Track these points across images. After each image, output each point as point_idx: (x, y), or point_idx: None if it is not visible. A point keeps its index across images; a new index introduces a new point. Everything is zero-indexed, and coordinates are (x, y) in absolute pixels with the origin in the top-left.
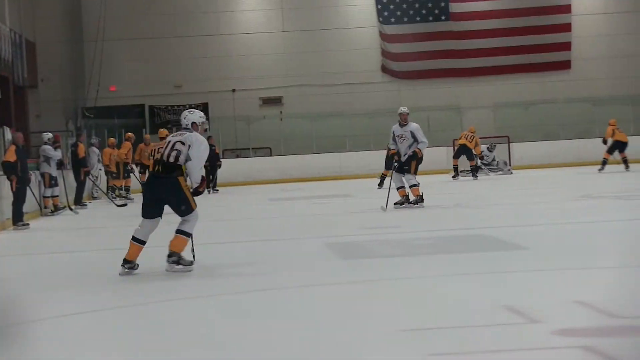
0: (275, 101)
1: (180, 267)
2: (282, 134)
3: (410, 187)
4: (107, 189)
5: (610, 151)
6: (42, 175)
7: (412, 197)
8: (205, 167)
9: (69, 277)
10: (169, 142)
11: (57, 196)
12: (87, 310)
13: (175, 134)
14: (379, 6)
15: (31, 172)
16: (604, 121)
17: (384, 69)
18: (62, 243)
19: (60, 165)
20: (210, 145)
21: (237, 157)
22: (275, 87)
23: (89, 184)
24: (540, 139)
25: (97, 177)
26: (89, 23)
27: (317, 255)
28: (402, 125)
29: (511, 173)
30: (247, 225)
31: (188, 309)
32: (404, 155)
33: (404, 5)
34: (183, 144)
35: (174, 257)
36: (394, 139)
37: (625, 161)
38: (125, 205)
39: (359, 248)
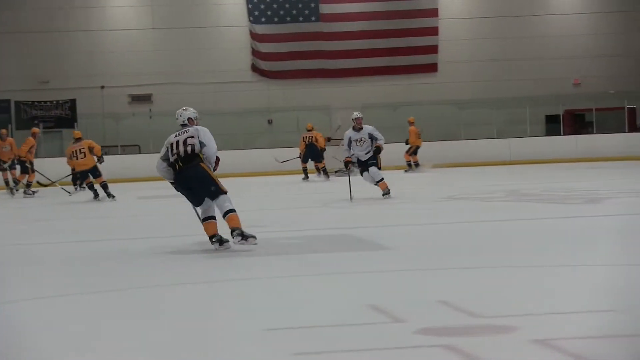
0: (145, 99)
1: (249, 239)
2: (151, 131)
3: (378, 182)
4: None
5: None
6: None
7: (384, 190)
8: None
9: None
10: (177, 141)
11: None
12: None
13: (178, 132)
14: (250, 5)
15: None
16: (469, 123)
17: (254, 68)
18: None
19: None
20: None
21: (105, 154)
22: (145, 85)
23: None
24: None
25: None
26: None
27: (180, 255)
28: (357, 129)
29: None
30: (118, 225)
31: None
32: (366, 153)
33: (275, 5)
34: (192, 137)
35: (237, 231)
36: (349, 145)
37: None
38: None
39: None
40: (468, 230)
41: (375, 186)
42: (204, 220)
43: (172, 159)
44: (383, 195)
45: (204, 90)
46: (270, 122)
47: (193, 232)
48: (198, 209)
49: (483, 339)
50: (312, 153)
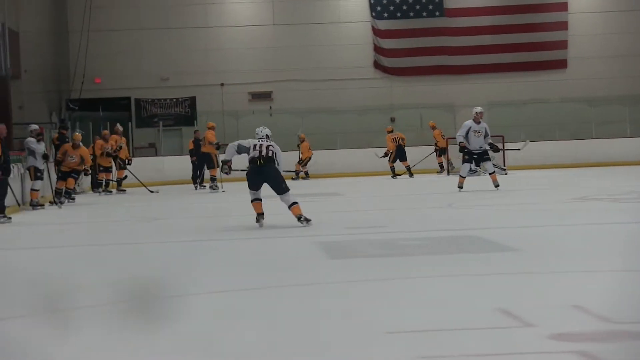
0: (265, 96)
1: (310, 221)
2: (271, 129)
3: (491, 174)
4: (92, 183)
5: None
6: (28, 169)
7: (495, 182)
8: (192, 161)
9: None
10: (261, 144)
11: (37, 190)
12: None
13: (260, 139)
14: (372, 1)
15: (13, 165)
16: (600, 122)
17: (376, 65)
18: (45, 237)
19: (45, 157)
20: (198, 140)
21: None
22: (265, 82)
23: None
24: (535, 139)
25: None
26: (74, 13)
27: (302, 254)
28: (478, 122)
29: (505, 173)
30: (235, 224)
31: (181, 306)
32: (480, 148)
33: (397, 1)
34: (272, 146)
35: (303, 217)
36: (466, 134)
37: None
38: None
39: (347, 247)
40: (598, 232)
41: (487, 176)
42: (253, 200)
43: (253, 154)
44: (495, 186)
45: (325, 87)
46: (393, 120)
47: (318, 233)
48: (255, 191)
49: (619, 346)
50: (401, 153)
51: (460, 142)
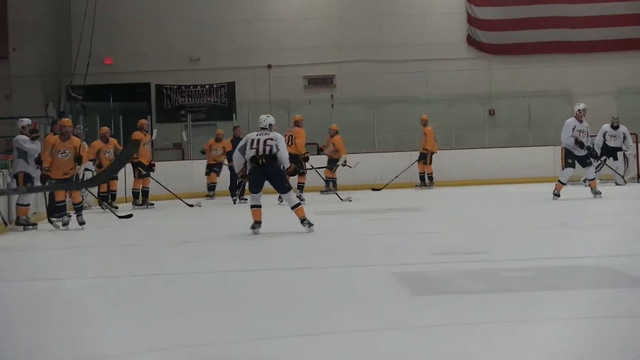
0: (325, 81)
1: (312, 226)
2: (334, 123)
3: (591, 180)
4: (99, 195)
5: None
6: (16, 175)
7: (594, 190)
8: (230, 167)
9: (40, 311)
10: (258, 139)
11: (27, 205)
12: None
13: (259, 132)
14: None
15: None
16: None
17: (470, 41)
18: (37, 267)
19: (38, 161)
20: (238, 139)
21: None
22: (325, 63)
23: None
24: None
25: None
26: None
27: (377, 289)
28: (580, 120)
29: (624, 183)
30: (289, 247)
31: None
32: (583, 149)
33: None
34: (272, 139)
35: (306, 220)
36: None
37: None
38: (129, 216)
39: (432, 280)
40: None
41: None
42: (252, 206)
43: (251, 153)
44: (594, 195)
45: (401, 70)
46: (491, 112)
47: (394, 261)
48: (256, 194)
49: None
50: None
51: (570, 144)
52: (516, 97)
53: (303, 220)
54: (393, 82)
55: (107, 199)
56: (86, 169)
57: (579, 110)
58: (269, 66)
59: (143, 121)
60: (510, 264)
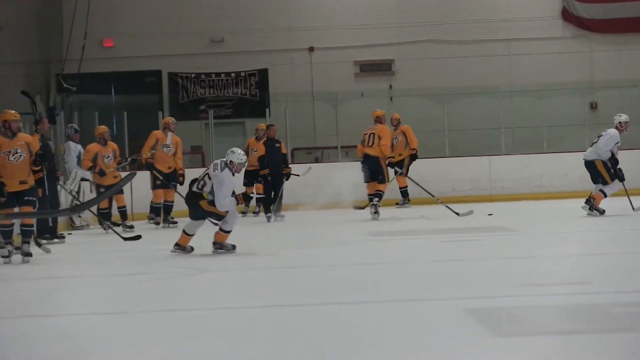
0: (382, 68)
1: (222, 250)
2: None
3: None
4: (99, 212)
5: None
6: None
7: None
8: (263, 176)
9: None
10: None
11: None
12: None
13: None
14: None
15: None
16: None
17: (567, 16)
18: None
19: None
20: (272, 141)
21: (316, 160)
22: (382, 45)
23: (65, 201)
24: None
25: (78, 191)
26: None
27: (453, 329)
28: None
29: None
30: (342, 276)
31: None
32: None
33: None
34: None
35: (217, 245)
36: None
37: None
38: (137, 238)
39: (520, 317)
40: None
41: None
42: (185, 233)
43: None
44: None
45: (478, 53)
46: (593, 106)
47: (472, 294)
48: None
49: None
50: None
51: (606, 157)
52: (624, 87)
53: (215, 244)
54: (467, 69)
55: (108, 217)
56: (83, 179)
57: (620, 122)
58: (311, 49)
59: (169, 119)
60: (617, 298)
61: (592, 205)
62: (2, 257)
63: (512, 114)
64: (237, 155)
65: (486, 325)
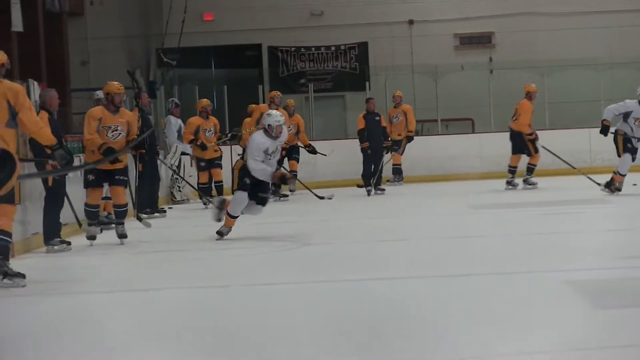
0: (482, 41)
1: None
2: (492, 96)
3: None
4: (199, 187)
5: None
6: None
7: None
8: (363, 149)
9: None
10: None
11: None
12: None
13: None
14: None
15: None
16: None
17: None
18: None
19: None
20: (372, 114)
21: (416, 134)
22: (482, 18)
23: (166, 176)
24: None
25: (179, 166)
26: None
27: (549, 301)
28: None
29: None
30: (439, 249)
31: None
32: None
33: None
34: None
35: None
36: (625, 118)
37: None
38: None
39: (623, 290)
40: None
41: None
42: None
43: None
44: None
45: (582, 25)
46: None
47: (572, 266)
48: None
49: None
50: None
51: (604, 120)
52: None
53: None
54: (566, 41)
55: (207, 192)
56: (183, 153)
57: None
58: (411, 22)
59: (275, 93)
60: None
61: None
62: (90, 238)
63: (612, 86)
64: (274, 117)
65: (588, 296)
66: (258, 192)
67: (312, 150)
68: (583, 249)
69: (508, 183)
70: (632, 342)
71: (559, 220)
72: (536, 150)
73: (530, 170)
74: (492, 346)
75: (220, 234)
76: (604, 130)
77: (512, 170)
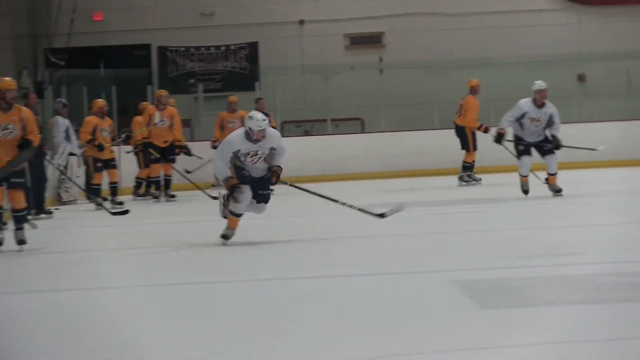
0: (372, 41)
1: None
2: (381, 95)
3: (554, 174)
4: (87, 186)
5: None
6: None
7: (555, 187)
8: None
9: None
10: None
11: None
12: None
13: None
14: None
15: None
16: None
17: None
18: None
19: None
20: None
21: (306, 133)
22: (372, 18)
23: (52, 176)
24: None
25: (66, 166)
26: None
27: (439, 302)
28: (539, 105)
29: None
30: (336, 249)
31: None
32: (538, 136)
33: None
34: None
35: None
36: (518, 120)
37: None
38: (125, 213)
39: (508, 290)
40: None
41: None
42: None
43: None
44: (554, 193)
45: (468, 26)
46: (581, 78)
47: (460, 266)
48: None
49: None
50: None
51: (500, 129)
52: (612, 60)
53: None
54: (457, 41)
55: (97, 193)
56: (71, 154)
57: (536, 90)
58: (301, 22)
59: (161, 92)
60: (609, 268)
61: None
62: None
63: (502, 86)
64: (255, 121)
65: (472, 296)
66: (259, 189)
67: (187, 152)
68: (472, 248)
69: (460, 179)
70: (520, 341)
71: (449, 219)
72: (475, 148)
73: (466, 168)
74: (372, 349)
75: (225, 237)
76: (499, 139)
77: (467, 166)
